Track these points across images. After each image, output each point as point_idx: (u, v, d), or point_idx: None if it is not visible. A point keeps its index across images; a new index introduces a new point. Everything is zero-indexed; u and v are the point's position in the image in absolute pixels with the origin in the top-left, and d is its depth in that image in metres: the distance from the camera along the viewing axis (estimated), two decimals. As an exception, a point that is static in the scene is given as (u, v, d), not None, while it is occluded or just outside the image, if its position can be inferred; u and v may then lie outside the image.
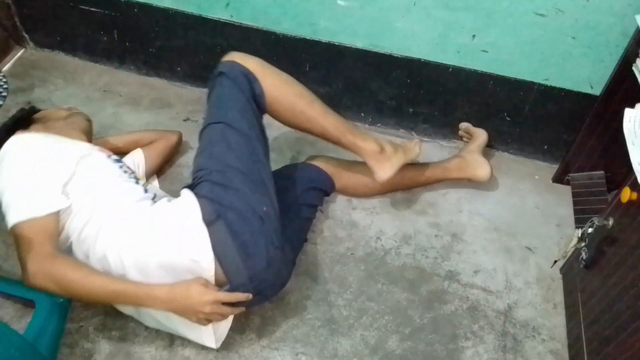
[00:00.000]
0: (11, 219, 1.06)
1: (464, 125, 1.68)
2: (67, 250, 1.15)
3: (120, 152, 1.44)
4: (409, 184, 1.56)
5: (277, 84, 1.27)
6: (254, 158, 1.22)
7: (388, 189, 1.55)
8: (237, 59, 1.25)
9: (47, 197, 1.09)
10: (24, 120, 1.30)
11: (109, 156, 1.27)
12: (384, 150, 1.38)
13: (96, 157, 1.23)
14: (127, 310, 1.24)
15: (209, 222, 1.11)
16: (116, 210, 1.15)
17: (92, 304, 1.27)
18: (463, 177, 1.56)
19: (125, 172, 1.26)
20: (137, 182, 1.26)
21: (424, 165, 1.56)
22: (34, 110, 1.36)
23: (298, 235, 1.37)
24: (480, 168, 1.54)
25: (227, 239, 1.10)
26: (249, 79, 1.23)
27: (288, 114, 1.30)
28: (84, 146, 1.24)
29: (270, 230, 1.16)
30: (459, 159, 1.56)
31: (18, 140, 1.16)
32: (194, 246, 1.11)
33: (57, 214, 1.09)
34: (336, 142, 1.36)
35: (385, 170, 1.38)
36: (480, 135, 1.63)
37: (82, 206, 1.13)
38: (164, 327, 1.22)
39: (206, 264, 1.10)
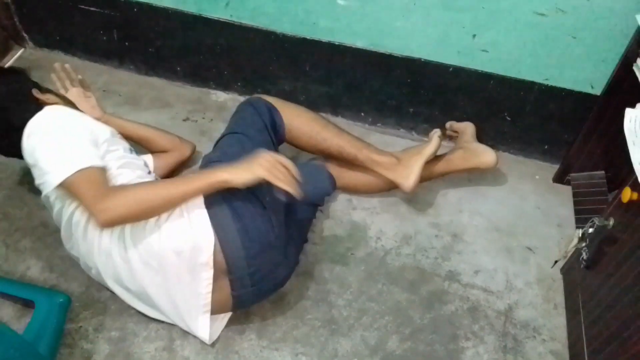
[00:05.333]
0: (64, 173, 1.07)
1: (448, 124, 1.66)
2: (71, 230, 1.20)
3: (129, 139, 1.45)
4: None
5: (294, 113, 1.41)
6: None
7: (390, 187, 1.53)
8: (261, 96, 1.42)
9: (94, 153, 1.14)
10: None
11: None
12: (400, 160, 1.42)
13: (119, 145, 1.27)
14: (133, 302, 1.24)
15: (211, 203, 1.14)
16: None
17: (163, 207, 1.12)
18: (469, 167, 1.53)
19: (142, 164, 1.31)
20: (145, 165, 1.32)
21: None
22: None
23: (299, 234, 1.37)
24: (485, 154, 1.51)
25: (228, 219, 1.13)
26: (270, 110, 1.37)
27: (306, 136, 1.41)
28: (108, 129, 1.27)
29: (272, 217, 1.17)
30: (461, 150, 1.54)
31: (55, 109, 1.21)
32: (194, 225, 1.12)
33: (102, 169, 1.12)
34: (353, 159, 1.43)
35: (407, 178, 1.41)
36: (467, 127, 1.61)
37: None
38: (164, 316, 1.24)
39: (206, 243, 1.11)
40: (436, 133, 1.47)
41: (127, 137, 1.50)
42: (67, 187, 1.09)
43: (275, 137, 1.36)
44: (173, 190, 1.10)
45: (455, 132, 1.65)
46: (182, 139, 1.59)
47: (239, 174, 1.08)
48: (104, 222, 1.05)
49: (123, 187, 1.12)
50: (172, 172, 1.56)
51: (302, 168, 1.13)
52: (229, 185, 1.09)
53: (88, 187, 1.07)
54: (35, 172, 1.17)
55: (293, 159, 1.64)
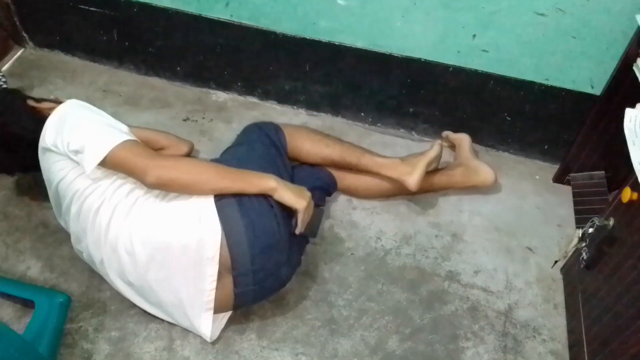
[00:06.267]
0: (111, 144, 1.12)
1: (444, 134, 1.69)
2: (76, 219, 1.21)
3: None
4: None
5: (296, 128, 1.50)
6: (273, 168, 1.28)
7: (391, 194, 1.55)
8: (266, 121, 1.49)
9: (127, 130, 1.22)
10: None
11: None
12: (403, 160, 1.47)
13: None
14: (134, 298, 1.24)
15: (219, 196, 1.15)
16: (132, 189, 1.20)
17: (209, 187, 1.16)
18: (468, 185, 1.56)
19: None
20: None
21: (428, 172, 1.56)
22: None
23: (301, 236, 1.37)
24: (484, 172, 1.54)
25: (235, 214, 1.14)
26: (276, 129, 1.43)
27: (308, 145, 1.44)
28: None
29: (278, 217, 1.17)
30: (461, 167, 1.57)
31: (75, 101, 1.26)
32: (202, 218, 1.13)
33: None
34: (356, 164, 1.46)
35: (411, 174, 1.43)
36: (463, 139, 1.63)
37: (112, 181, 1.19)
38: (165, 314, 1.24)
39: (213, 237, 1.12)
40: (437, 142, 1.50)
41: None
42: (112, 160, 1.13)
43: (282, 150, 1.40)
44: (227, 176, 1.15)
45: (451, 142, 1.67)
46: (180, 138, 1.59)
47: (288, 191, 1.17)
48: (157, 177, 1.10)
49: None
50: None
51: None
52: (272, 194, 1.16)
53: (138, 152, 1.14)
54: (59, 162, 1.20)
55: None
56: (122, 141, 1.13)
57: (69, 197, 1.21)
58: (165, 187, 1.15)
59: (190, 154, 1.60)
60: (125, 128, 1.25)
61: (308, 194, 1.21)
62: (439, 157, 1.50)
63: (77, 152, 1.14)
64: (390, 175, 1.45)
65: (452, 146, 1.68)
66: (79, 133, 1.16)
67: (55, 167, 1.21)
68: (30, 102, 1.31)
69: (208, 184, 1.14)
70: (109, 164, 1.14)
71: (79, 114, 1.21)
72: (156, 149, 1.51)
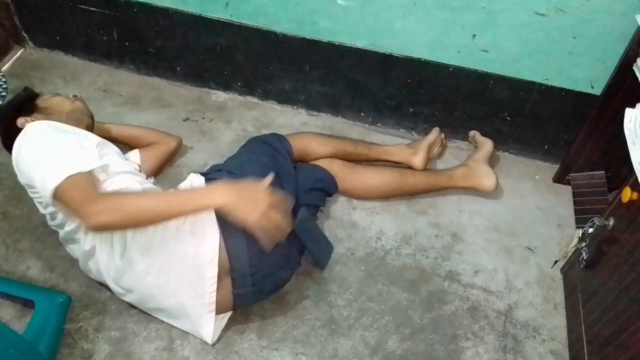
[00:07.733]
0: (53, 183, 1.06)
1: (472, 133, 1.70)
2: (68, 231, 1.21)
3: (117, 143, 1.46)
4: (412, 191, 1.56)
5: (299, 133, 1.55)
6: (273, 171, 1.24)
7: (390, 195, 1.56)
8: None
9: (81, 158, 1.12)
10: (30, 100, 1.33)
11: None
12: (408, 145, 1.62)
13: (110, 148, 1.28)
14: (134, 303, 1.24)
15: None
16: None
17: (153, 221, 1.07)
18: (468, 186, 1.57)
19: (134, 167, 1.33)
20: (146, 178, 1.34)
21: (429, 172, 1.58)
22: (36, 94, 1.37)
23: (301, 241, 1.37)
24: (486, 177, 1.55)
25: None
26: (279, 137, 1.45)
27: (314, 142, 1.51)
28: (96, 137, 1.28)
29: None
30: (464, 168, 1.58)
31: (36, 125, 1.21)
32: (200, 221, 1.13)
33: (91, 172, 1.12)
34: (367, 153, 1.57)
35: (416, 156, 1.58)
36: (485, 145, 1.64)
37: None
38: (167, 318, 1.24)
39: (211, 240, 1.11)
40: (435, 128, 1.65)
41: (118, 138, 1.53)
42: (59, 197, 1.07)
43: (286, 153, 1.40)
44: (164, 203, 1.05)
45: (474, 142, 1.69)
46: (167, 133, 1.61)
47: (238, 209, 1.03)
48: (95, 224, 1.01)
49: (116, 193, 1.12)
50: (161, 164, 1.59)
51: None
52: (223, 212, 1.04)
53: (77, 192, 1.05)
54: (32, 192, 1.20)
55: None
56: (63, 179, 1.06)
57: (59, 218, 1.21)
58: (107, 231, 1.11)
59: (178, 149, 1.64)
60: (94, 140, 1.22)
61: (263, 206, 1.03)
62: (438, 140, 1.65)
63: (37, 190, 1.13)
64: (398, 160, 1.58)
65: (474, 147, 1.69)
66: (32, 171, 1.12)
67: (37, 199, 1.22)
68: (21, 121, 1.25)
69: (152, 220, 1.05)
70: (57, 201, 1.09)
71: (32, 149, 1.15)
72: (145, 146, 1.54)
